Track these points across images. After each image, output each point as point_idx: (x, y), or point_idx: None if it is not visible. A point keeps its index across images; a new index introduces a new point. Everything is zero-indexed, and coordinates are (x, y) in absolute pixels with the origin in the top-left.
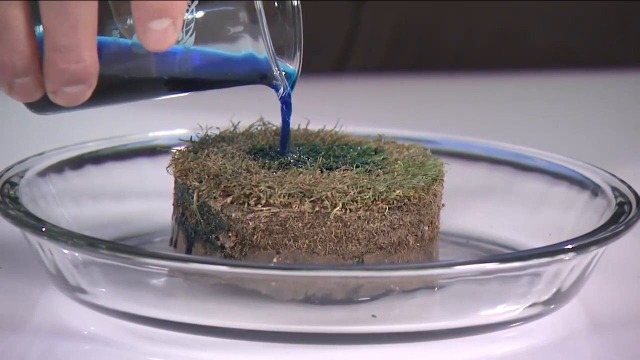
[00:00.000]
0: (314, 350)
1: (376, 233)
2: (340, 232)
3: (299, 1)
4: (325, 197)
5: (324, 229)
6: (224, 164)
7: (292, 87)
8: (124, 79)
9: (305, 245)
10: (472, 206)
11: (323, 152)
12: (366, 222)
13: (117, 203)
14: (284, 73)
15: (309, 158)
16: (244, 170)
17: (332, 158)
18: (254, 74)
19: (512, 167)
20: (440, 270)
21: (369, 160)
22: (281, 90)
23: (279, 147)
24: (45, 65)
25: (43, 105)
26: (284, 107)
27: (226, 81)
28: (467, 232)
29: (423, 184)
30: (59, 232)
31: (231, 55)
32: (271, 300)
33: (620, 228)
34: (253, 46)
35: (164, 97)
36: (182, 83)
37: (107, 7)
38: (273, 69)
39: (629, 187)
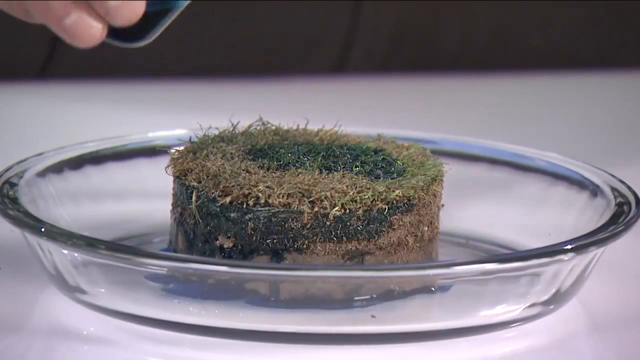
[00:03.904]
0: (313, 351)
1: (375, 233)
2: (340, 233)
3: None
4: (325, 197)
5: (323, 229)
6: (223, 164)
7: None
8: None
9: (305, 246)
10: (472, 206)
11: (322, 152)
12: (365, 222)
13: (117, 203)
14: None
15: (308, 158)
16: (243, 170)
17: (331, 158)
18: None
19: (512, 167)
20: (440, 270)
21: (369, 160)
22: None
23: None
24: None
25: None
26: None
27: None
28: (467, 232)
29: (422, 184)
30: (58, 233)
31: None
32: (271, 301)
33: (620, 228)
34: None
35: None
36: None
37: None
38: None
39: (629, 188)
